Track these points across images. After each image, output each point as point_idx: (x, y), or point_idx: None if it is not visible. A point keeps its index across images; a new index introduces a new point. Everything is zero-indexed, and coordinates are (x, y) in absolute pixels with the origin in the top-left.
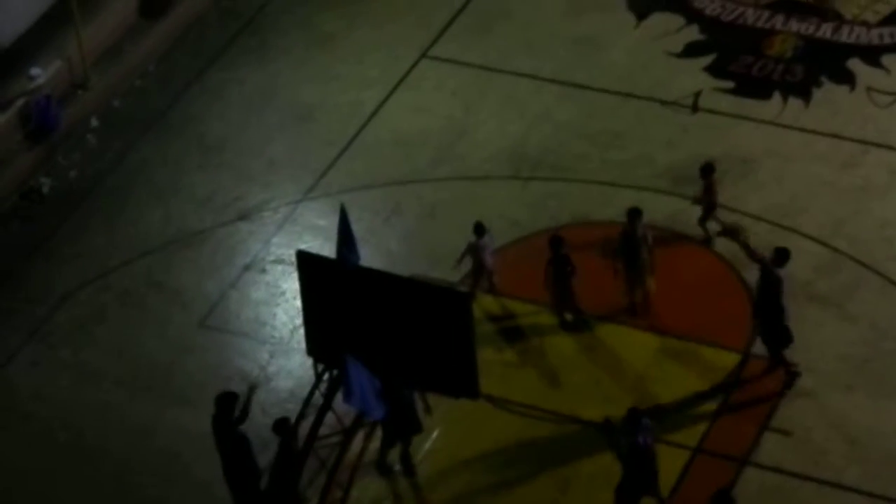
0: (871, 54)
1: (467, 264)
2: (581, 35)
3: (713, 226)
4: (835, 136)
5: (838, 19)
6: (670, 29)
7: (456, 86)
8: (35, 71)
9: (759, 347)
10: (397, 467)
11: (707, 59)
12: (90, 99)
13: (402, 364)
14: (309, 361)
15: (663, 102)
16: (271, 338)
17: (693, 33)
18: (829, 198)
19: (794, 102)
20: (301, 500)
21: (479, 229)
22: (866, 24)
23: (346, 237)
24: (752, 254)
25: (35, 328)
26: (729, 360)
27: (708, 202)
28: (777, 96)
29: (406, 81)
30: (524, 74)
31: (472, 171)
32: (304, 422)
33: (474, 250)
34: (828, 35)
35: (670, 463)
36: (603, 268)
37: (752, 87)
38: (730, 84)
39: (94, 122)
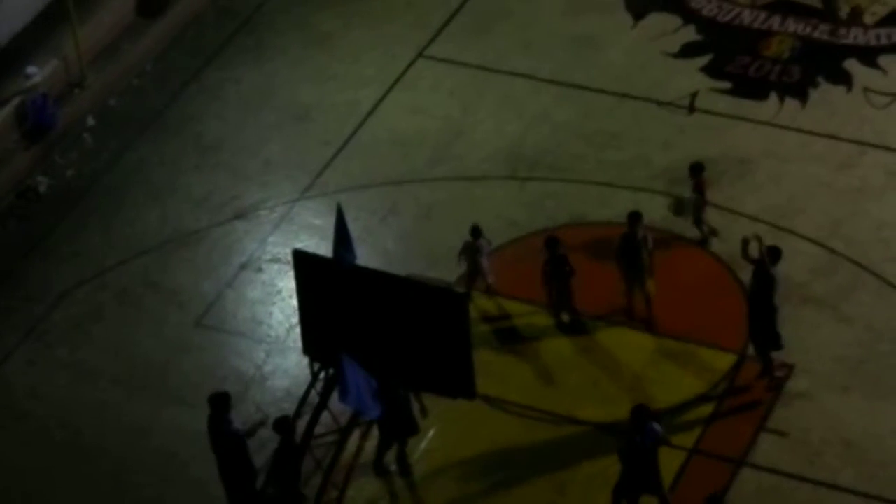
0: (868, 55)
1: (463, 265)
2: (578, 35)
3: (700, 225)
4: (832, 136)
5: (840, 21)
6: (667, 29)
7: (453, 86)
8: (31, 69)
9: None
10: (393, 467)
11: (704, 60)
12: (87, 98)
13: (398, 364)
14: (305, 360)
15: (660, 103)
16: (267, 337)
17: (690, 34)
18: (826, 199)
19: (791, 103)
20: (302, 499)
21: (476, 231)
22: (863, 26)
23: (342, 237)
24: (746, 253)
25: (32, 327)
26: (725, 361)
27: (698, 201)
28: (774, 97)
29: (403, 81)
30: (521, 74)
31: (469, 172)
32: (300, 421)
33: (470, 251)
34: (825, 36)
35: (667, 464)
36: (600, 268)
37: (749, 87)
38: (727, 85)
39: (91, 121)
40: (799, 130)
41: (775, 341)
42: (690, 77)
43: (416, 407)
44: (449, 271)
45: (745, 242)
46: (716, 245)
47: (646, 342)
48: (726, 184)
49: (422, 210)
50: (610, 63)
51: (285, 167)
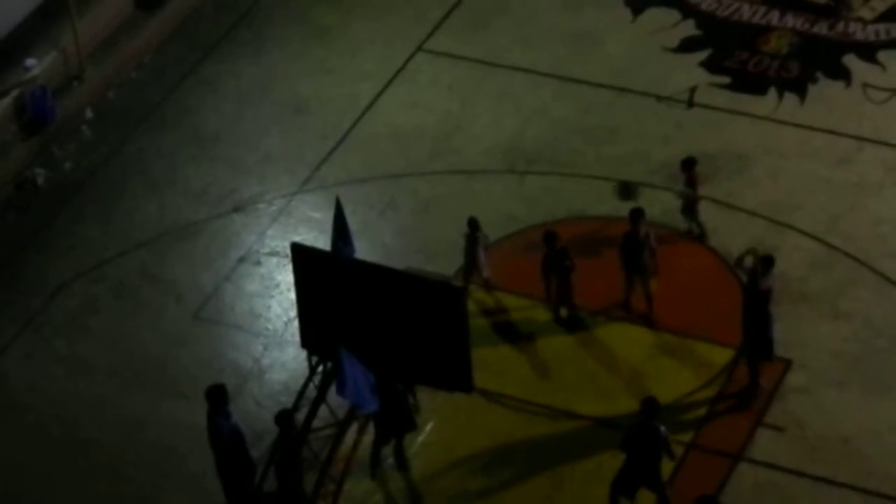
0: (867, 50)
1: (460, 259)
2: (577, 30)
3: (694, 221)
4: (830, 132)
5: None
6: (666, 24)
7: (452, 80)
8: (30, 62)
9: None
10: (390, 460)
11: (703, 55)
12: (85, 90)
13: (396, 357)
14: (303, 354)
15: (659, 98)
16: (265, 330)
17: (689, 28)
18: (825, 194)
19: (790, 98)
20: (304, 494)
21: (473, 224)
22: (862, 21)
23: (341, 230)
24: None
25: (29, 320)
26: (723, 356)
27: (690, 196)
28: (773, 92)
29: (402, 75)
30: (520, 69)
31: (467, 166)
32: (298, 414)
33: (468, 244)
34: (824, 31)
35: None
36: (598, 263)
37: (748, 82)
38: (725, 79)
39: (90, 114)
40: (798, 126)
41: (766, 352)
42: (689, 72)
43: (410, 402)
44: (447, 265)
45: (741, 258)
46: (714, 240)
47: (644, 337)
48: (724, 179)
49: (420, 204)
50: (609, 58)
51: (284, 160)
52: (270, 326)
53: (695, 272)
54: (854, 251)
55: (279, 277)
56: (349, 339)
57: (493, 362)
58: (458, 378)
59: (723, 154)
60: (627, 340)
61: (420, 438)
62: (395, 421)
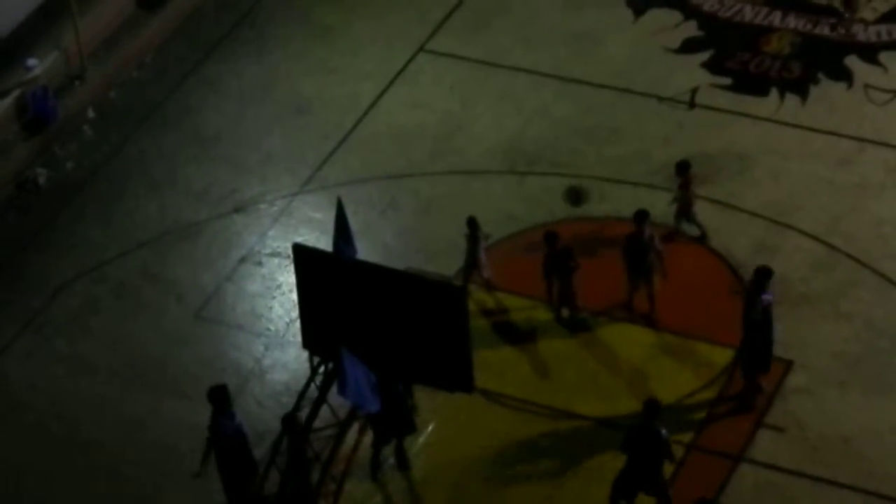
0: (869, 52)
1: (461, 259)
2: (579, 30)
3: (693, 223)
4: (832, 133)
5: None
6: (668, 25)
7: (453, 80)
8: (32, 62)
9: None
10: (391, 461)
11: (704, 56)
12: (87, 90)
13: (397, 357)
14: (304, 354)
15: (660, 98)
16: (267, 330)
17: (691, 29)
18: (826, 195)
19: (792, 99)
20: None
21: (472, 223)
22: (864, 22)
23: (342, 230)
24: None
25: (30, 319)
26: (724, 356)
27: (684, 199)
28: (774, 93)
29: (403, 75)
30: (522, 69)
31: (468, 166)
32: (300, 415)
33: (468, 243)
34: (825, 32)
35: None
36: (599, 264)
37: (750, 83)
38: (727, 80)
39: (91, 114)
40: (799, 127)
41: (764, 364)
42: (691, 72)
43: (408, 402)
44: (448, 265)
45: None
46: (715, 241)
47: (644, 337)
48: (726, 179)
49: (421, 204)
50: (610, 58)
51: (285, 160)
52: (272, 327)
53: (696, 273)
54: (855, 252)
55: (281, 278)
56: (350, 339)
57: (493, 362)
58: (458, 378)
59: (724, 155)
60: (628, 341)
61: (421, 438)
62: (394, 422)
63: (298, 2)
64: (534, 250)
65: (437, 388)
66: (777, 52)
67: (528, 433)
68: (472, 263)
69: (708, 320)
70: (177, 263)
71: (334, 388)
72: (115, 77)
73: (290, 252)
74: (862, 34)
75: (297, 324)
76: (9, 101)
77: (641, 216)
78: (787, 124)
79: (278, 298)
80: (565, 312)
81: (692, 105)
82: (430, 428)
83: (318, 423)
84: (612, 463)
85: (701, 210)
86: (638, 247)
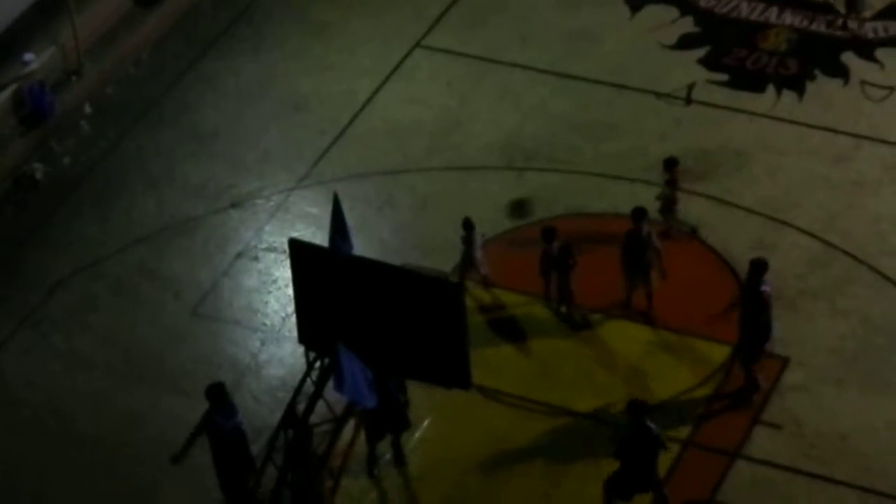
0: (865, 48)
1: (457, 255)
2: (576, 27)
3: (670, 219)
4: (828, 129)
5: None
6: (664, 21)
7: (450, 76)
8: (29, 57)
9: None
10: (388, 456)
11: (701, 52)
12: (84, 86)
13: (393, 353)
14: (300, 350)
15: (657, 94)
16: (263, 326)
17: (687, 25)
18: (823, 192)
19: (788, 96)
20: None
21: (468, 224)
22: (861, 18)
23: (339, 226)
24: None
25: (27, 315)
26: (721, 353)
27: (670, 196)
28: (771, 89)
29: (400, 71)
30: (519, 65)
31: (465, 162)
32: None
33: (464, 243)
34: (822, 29)
35: (661, 457)
36: (597, 260)
37: (746, 80)
38: (724, 77)
39: (88, 109)
40: (796, 123)
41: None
42: (687, 69)
43: (401, 398)
44: (445, 261)
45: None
46: (712, 238)
47: (641, 334)
48: (723, 176)
49: (418, 200)
50: (607, 54)
51: (282, 156)
52: (268, 322)
53: (692, 269)
54: (852, 249)
55: (277, 273)
56: (347, 335)
57: (490, 359)
58: (455, 374)
59: (721, 151)
60: (626, 338)
61: (417, 435)
62: (387, 418)
63: None
64: (531, 246)
65: (433, 385)
66: (774, 48)
67: (525, 430)
68: (468, 262)
69: (705, 317)
70: (174, 259)
71: (330, 384)
72: (112, 73)
73: (286, 247)
74: (858, 30)
75: (294, 319)
76: (5, 95)
77: (640, 214)
78: (783, 121)
79: (274, 293)
80: (563, 309)
81: (689, 101)
82: (426, 424)
83: (314, 419)
84: (609, 460)
85: (697, 206)
86: (636, 244)
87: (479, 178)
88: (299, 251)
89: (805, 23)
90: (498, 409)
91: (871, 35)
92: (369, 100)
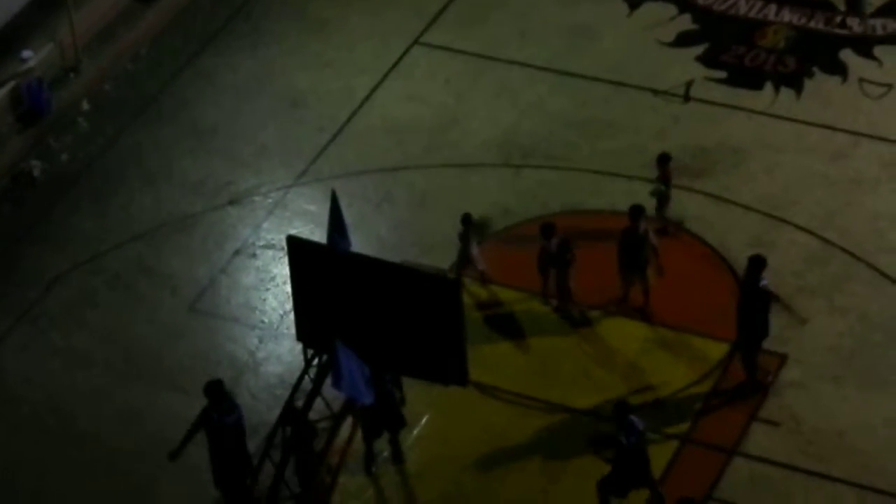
0: (864, 45)
1: (455, 252)
2: (574, 24)
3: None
4: (827, 127)
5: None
6: (663, 18)
7: (448, 74)
8: (27, 53)
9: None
10: (386, 454)
11: (699, 49)
12: (82, 82)
13: (391, 350)
14: (298, 347)
15: (655, 92)
16: (261, 323)
17: (685, 23)
18: (821, 189)
19: (787, 93)
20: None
21: (466, 220)
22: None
23: (337, 223)
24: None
25: (25, 312)
26: (719, 350)
27: (664, 192)
28: (769, 87)
29: (398, 68)
30: (517, 63)
31: (463, 159)
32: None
33: (461, 240)
34: (820, 26)
35: (659, 453)
36: (594, 257)
37: (745, 77)
38: (722, 74)
39: (86, 106)
40: (794, 121)
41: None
42: (686, 66)
43: (397, 396)
44: (443, 258)
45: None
46: (709, 235)
47: (639, 331)
48: (721, 173)
49: (416, 197)
50: (605, 52)
51: (280, 153)
52: (266, 319)
53: (689, 266)
54: (850, 246)
55: (275, 270)
56: (345, 332)
57: (488, 356)
58: (453, 371)
59: (719, 148)
60: (623, 335)
61: (415, 431)
62: (383, 416)
63: None
64: (528, 243)
65: (431, 382)
66: (772, 45)
67: (523, 426)
68: (465, 259)
69: (703, 314)
70: (172, 256)
71: (328, 381)
72: (110, 69)
73: (284, 244)
74: (857, 28)
75: (292, 316)
76: (3, 92)
77: (637, 211)
78: (781, 118)
79: (272, 291)
80: (555, 303)
81: (687, 98)
82: (424, 421)
83: (312, 416)
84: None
85: (695, 204)
86: (633, 242)
87: (476, 175)
88: (297, 248)
89: (803, 20)
90: (496, 406)
91: (870, 32)
92: (368, 97)
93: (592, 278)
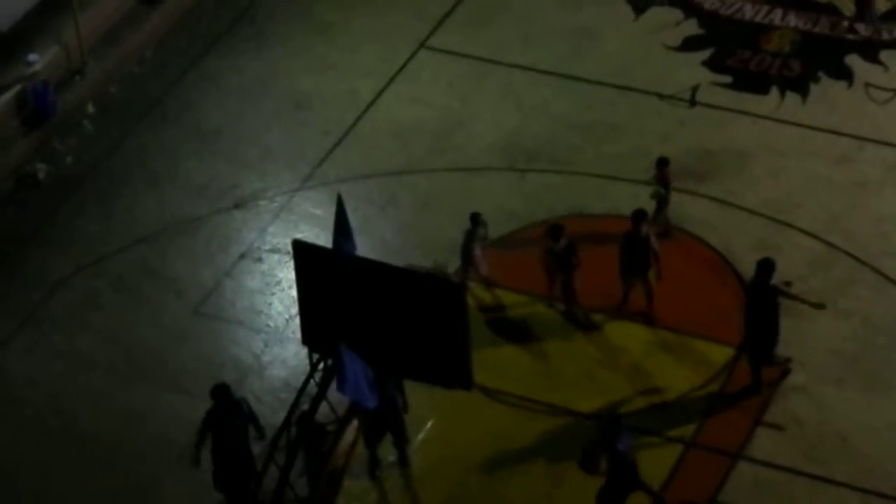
0: (870, 50)
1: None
2: (579, 27)
3: (662, 219)
4: (832, 131)
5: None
6: (669, 22)
7: (453, 77)
8: (32, 56)
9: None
10: (391, 458)
11: (705, 54)
12: (87, 85)
13: (396, 354)
14: (304, 351)
15: (661, 96)
16: (266, 326)
17: (692, 27)
18: (825, 193)
19: (792, 97)
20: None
21: (475, 219)
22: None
23: (342, 227)
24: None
25: (29, 314)
26: (722, 354)
27: (664, 196)
28: (775, 91)
29: (403, 72)
30: (521, 66)
31: (468, 163)
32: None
33: (466, 239)
34: (826, 31)
35: (663, 457)
36: (598, 260)
37: (750, 81)
38: (728, 78)
39: (91, 109)
40: (799, 125)
41: (767, 356)
42: (692, 70)
43: (399, 401)
44: (447, 262)
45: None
46: (714, 238)
47: (643, 334)
48: (726, 177)
49: (421, 201)
50: (610, 56)
51: (285, 156)
52: (271, 323)
53: (694, 269)
54: (854, 250)
55: (280, 274)
56: (350, 336)
57: (492, 359)
58: (457, 375)
59: (724, 152)
60: (627, 338)
61: (420, 435)
62: (385, 422)
63: None
64: (533, 246)
65: (435, 385)
66: (777, 50)
67: (527, 430)
68: (467, 260)
69: (706, 318)
70: (176, 259)
71: (333, 385)
72: (115, 72)
73: (289, 248)
74: (863, 32)
75: (297, 320)
76: (9, 95)
77: (639, 215)
78: (787, 122)
79: (278, 295)
80: (562, 307)
81: (693, 103)
82: (428, 425)
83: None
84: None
85: (700, 207)
86: (635, 246)
87: (481, 178)
88: (303, 252)
89: (809, 25)
90: (500, 410)
91: (877, 37)
92: (373, 100)
93: (595, 282)
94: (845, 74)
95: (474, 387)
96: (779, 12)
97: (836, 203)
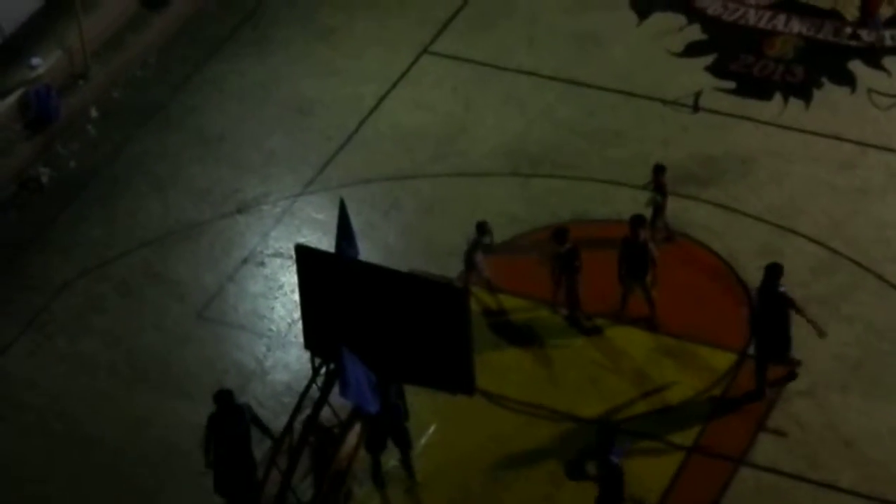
0: (873, 56)
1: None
2: (583, 33)
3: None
4: (835, 137)
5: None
6: (672, 28)
7: (457, 82)
8: (35, 60)
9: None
10: (393, 462)
11: (708, 59)
12: (90, 89)
13: (398, 359)
14: (306, 355)
15: (664, 101)
16: (269, 331)
17: (695, 33)
18: (828, 199)
19: (795, 103)
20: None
21: (481, 228)
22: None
23: (345, 231)
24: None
25: (32, 318)
26: (725, 359)
27: (661, 203)
28: (778, 97)
29: (407, 77)
30: (525, 71)
31: (471, 168)
32: (301, 415)
33: (470, 247)
34: (829, 37)
35: (665, 462)
36: (601, 266)
37: (753, 87)
38: (731, 84)
39: (94, 113)
40: (802, 131)
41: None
42: (695, 76)
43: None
44: (450, 266)
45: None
46: (718, 244)
47: (646, 340)
48: (728, 183)
49: (424, 205)
50: (614, 61)
51: (288, 161)
52: (274, 327)
53: (697, 275)
54: (857, 256)
55: (283, 279)
56: (352, 340)
57: (495, 364)
58: (460, 380)
59: (727, 158)
60: (630, 343)
61: (422, 440)
62: (388, 429)
63: (301, 2)
64: (536, 252)
65: (438, 390)
66: (781, 55)
67: (530, 435)
68: (470, 265)
69: (709, 324)
70: (179, 263)
71: (336, 390)
72: (119, 76)
73: (292, 253)
74: (866, 38)
75: (299, 324)
76: (12, 99)
77: (637, 221)
78: (790, 128)
79: (280, 299)
80: (567, 312)
81: (696, 108)
82: (431, 429)
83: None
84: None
85: (703, 213)
86: (633, 251)
87: (484, 183)
88: (305, 257)
89: (812, 31)
90: (502, 414)
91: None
92: (376, 105)
93: (599, 286)
94: (848, 80)
95: (477, 391)
96: (782, 18)
97: (839, 209)
